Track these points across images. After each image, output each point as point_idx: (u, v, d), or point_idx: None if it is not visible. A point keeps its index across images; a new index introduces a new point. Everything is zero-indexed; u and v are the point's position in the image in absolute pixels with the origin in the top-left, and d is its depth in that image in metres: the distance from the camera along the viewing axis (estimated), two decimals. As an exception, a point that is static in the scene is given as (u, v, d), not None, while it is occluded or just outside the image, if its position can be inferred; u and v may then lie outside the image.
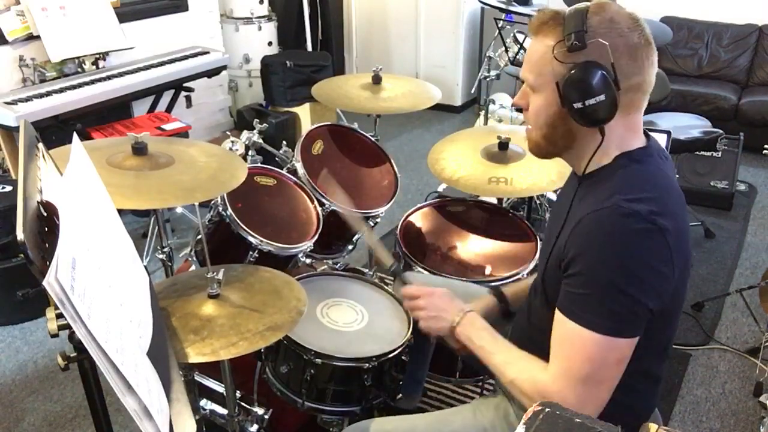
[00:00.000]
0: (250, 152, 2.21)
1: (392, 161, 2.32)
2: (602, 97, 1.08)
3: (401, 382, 1.64)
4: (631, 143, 1.17)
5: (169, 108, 3.76)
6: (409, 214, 2.15)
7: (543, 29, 1.14)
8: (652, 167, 1.15)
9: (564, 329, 1.12)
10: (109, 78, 3.26)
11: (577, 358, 1.11)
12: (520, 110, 1.29)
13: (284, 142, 2.28)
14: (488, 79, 3.74)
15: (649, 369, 1.25)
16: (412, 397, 1.80)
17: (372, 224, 2.22)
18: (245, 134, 2.22)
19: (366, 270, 2.43)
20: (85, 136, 3.08)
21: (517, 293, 1.56)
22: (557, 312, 1.15)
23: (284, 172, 2.09)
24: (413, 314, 1.42)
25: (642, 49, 1.11)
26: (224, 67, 3.86)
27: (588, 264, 1.09)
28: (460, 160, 2.09)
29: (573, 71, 1.09)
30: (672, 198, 1.13)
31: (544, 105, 1.16)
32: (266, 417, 1.72)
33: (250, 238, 1.81)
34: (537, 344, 1.34)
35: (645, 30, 1.12)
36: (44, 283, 0.70)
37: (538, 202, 3.18)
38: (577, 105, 1.09)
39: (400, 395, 1.66)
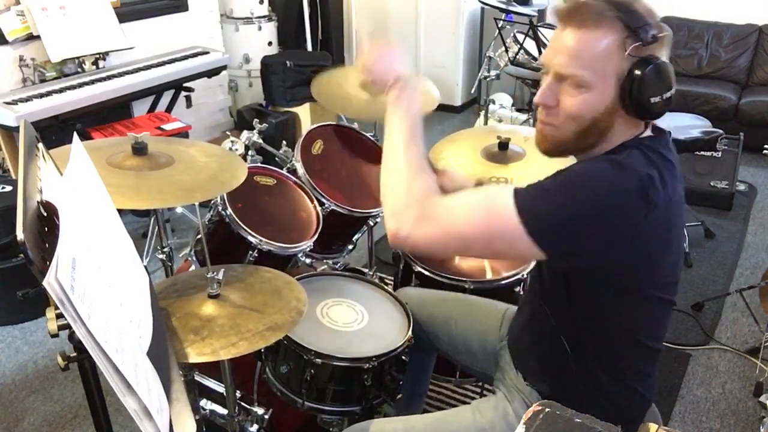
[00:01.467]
0: (250, 152, 2.21)
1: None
2: (671, 92, 1.09)
3: (401, 395, 1.64)
4: (643, 132, 1.18)
5: (169, 108, 3.76)
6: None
7: (597, 23, 1.08)
8: (657, 155, 1.14)
9: (495, 187, 1.10)
10: (109, 78, 3.26)
11: (474, 211, 1.11)
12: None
13: (284, 142, 2.28)
14: (488, 79, 3.74)
15: (633, 365, 1.27)
16: (415, 412, 1.80)
17: (372, 224, 2.22)
18: (245, 134, 2.22)
19: (366, 270, 2.43)
20: (85, 136, 3.08)
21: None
22: None
23: (284, 172, 2.09)
24: (360, 61, 1.30)
25: None
26: (224, 67, 3.86)
27: (562, 176, 1.10)
28: (460, 160, 2.09)
29: (652, 68, 1.07)
30: (669, 184, 1.11)
31: (594, 101, 1.10)
32: (266, 417, 1.72)
33: (250, 238, 1.81)
34: (533, 338, 1.37)
35: None
36: (44, 283, 0.70)
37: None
38: (654, 99, 1.07)
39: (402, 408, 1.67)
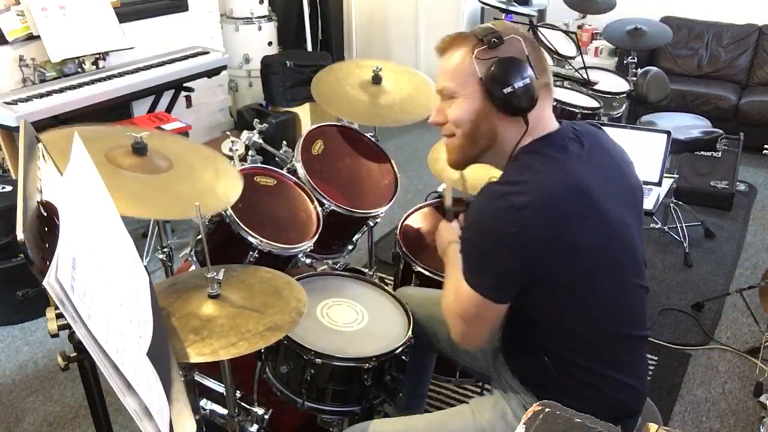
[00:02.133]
0: (250, 152, 2.21)
1: (392, 161, 2.32)
2: (527, 81, 1.20)
3: (401, 395, 1.64)
4: (532, 135, 1.27)
5: (169, 108, 3.76)
6: (409, 214, 2.15)
7: (453, 44, 1.28)
8: (538, 156, 1.24)
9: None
10: (109, 78, 3.26)
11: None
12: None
13: (284, 142, 2.28)
14: (488, 79, 3.73)
15: (602, 355, 1.29)
16: (415, 411, 1.80)
17: (372, 224, 2.22)
18: (245, 134, 2.21)
19: (366, 270, 2.43)
20: (85, 136, 3.07)
21: None
22: None
23: (284, 172, 2.09)
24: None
25: (542, 52, 1.29)
26: (224, 67, 3.86)
27: (463, 233, 1.31)
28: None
29: (497, 62, 1.21)
30: (548, 185, 1.19)
31: (467, 105, 1.27)
32: (266, 417, 1.71)
33: (250, 239, 1.81)
34: (512, 334, 1.43)
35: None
36: (44, 283, 0.70)
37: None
38: (507, 90, 1.20)
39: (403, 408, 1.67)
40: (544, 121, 1.28)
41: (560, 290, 1.23)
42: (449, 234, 1.58)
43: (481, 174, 2.01)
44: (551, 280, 1.22)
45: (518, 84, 1.20)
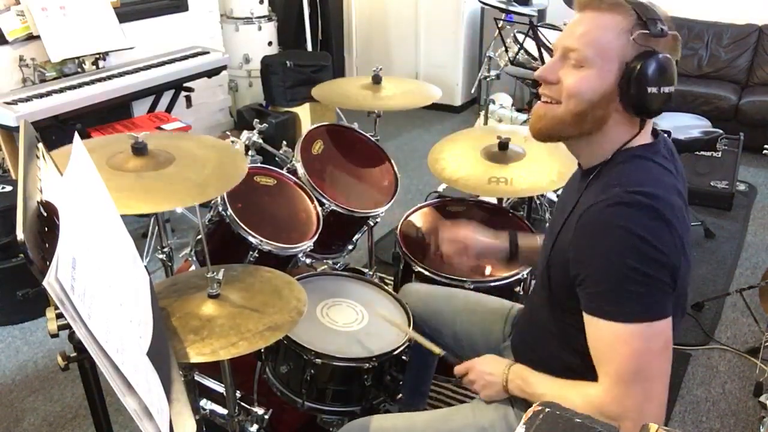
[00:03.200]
0: (250, 152, 2.21)
1: (392, 161, 2.33)
2: (671, 90, 1.11)
3: (402, 395, 1.64)
4: (637, 140, 1.17)
5: (169, 108, 3.76)
6: (409, 214, 2.15)
7: (611, 7, 1.11)
8: (653, 164, 1.15)
9: (598, 332, 1.10)
10: (109, 78, 3.26)
11: (621, 357, 1.08)
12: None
13: (284, 142, 2.28)
14: (488, 79, 3.74)
15: None
16: (417, 409, 1.80)
17: (372, 224, 2.22)
18: (245, 134, 2.22)
19: (366, 270, 2.43)
20: (85, 136, 3.08)
21: (529, 246, 1.58)
22: (587, 317, 1.13)
23: (284, 172, 2.09)
24: (471, 387, 1.41)
25: None
26: (224, 67, 3.85)
27: (597, 259, 1.08)
28: (460, 160, 2.09)
29: (655, 58, 1.09)
30: (671, 196, 1.12)
31: (596, 82, 1.12)
32: (266, 417, 1.71)
33: (250, 238, 1.81)
34: (538, 343, 1.34)
35: None
36: (44, 283, 0.69)
37: (538, 202, 3.18)
38: (652, 90, 1.09)
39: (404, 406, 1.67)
40: (650, 127, 1.20)
41: None
42: (494, 367, 1.35)
43: (481, 173, 2.01)
44: None
45: (665, 89, 1.10)
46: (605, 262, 1.07)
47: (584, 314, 1.13)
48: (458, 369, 1.44)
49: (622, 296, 1.07)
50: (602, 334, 1.10)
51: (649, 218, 1.06)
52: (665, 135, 1.23)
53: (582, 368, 1.18)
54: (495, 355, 1.39)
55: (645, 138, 1.18)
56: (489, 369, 1.35)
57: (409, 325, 1.64)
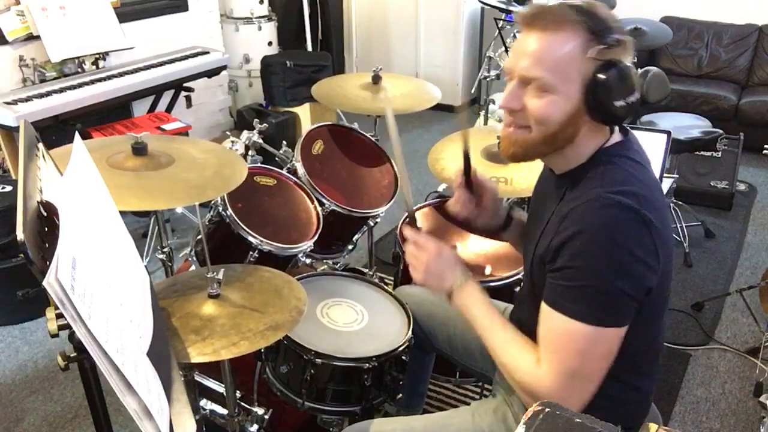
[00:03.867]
0: (250, 152, 2.21)
1: (392, 161, 2.32)
2: (638, 96, 1.09)
3: (400, 396, 1.64)
4: (611, 140, 1.18)
5: (169, 108, 3.76)
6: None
7: (561, 26, 1.08)
8: (630, 162, 1.15)
9: (552, 322, 1.12)
10: (109, 78, 3.26)
11: (566, 352, 1.10)
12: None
13: (284, 142, 2.28)
14: (488, 79, 3.74)
15: (640, 367, 1.25)
16: (415, 410, 1.80)
17: (372, 224, 2.22)
18: (245, 134, 2.22)
19: (366, 270, 2.43)
20: (85, 136, 3.07)
21: (520, 221, 1.55)
22: (543, 305, 1.14)
23: (284, 172, 2.09)
24: (411, 262, 1.33)
25: None
26: (224, 67, 3.85)
27: (575, 256, 1.08)
28: (460, 160, 2.08)
29: (615, 72, 1.07)
30: (653, 192, 1.12)
31: (561, 105, 1.10)
32: (266, 417, 1.72)
33: (250, 238, 1.81)
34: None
35: None
36: (44, 283, 0.70)
37: (538, 202, 3.18)
38: (618, 103, 1.07)
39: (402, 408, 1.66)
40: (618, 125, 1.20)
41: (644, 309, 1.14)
42: (454, 269, 1.30)
43: (481, 173, 2.01)
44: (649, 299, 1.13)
45: (630, 99, 1.09)
46: (580, 262, 1.08)
47: (543, 302, 1.14)
48: (418, 238, 1.35)
49: (585, 299, 1.08)
50: (554, 325, 1.11)
51: (631, 221, 1.07)
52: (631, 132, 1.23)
53: None
54: (459, 260, 1.32)
55: (617, 136, 1.19)
56: (448, 267, 1.30)
57: (409, 326, 1.63)
